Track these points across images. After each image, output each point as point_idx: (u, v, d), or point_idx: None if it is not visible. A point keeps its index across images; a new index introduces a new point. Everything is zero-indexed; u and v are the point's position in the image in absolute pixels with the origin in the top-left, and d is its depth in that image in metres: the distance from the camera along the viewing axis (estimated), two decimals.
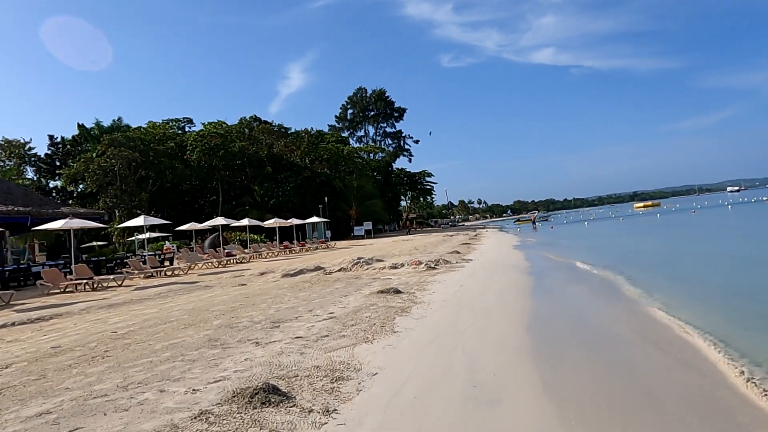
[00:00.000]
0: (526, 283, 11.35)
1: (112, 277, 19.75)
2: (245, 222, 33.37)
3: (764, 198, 72.73)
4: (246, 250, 32.45)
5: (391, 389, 4.52)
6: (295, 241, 41.63)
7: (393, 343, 6.08)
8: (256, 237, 47.21)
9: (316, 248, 39.93)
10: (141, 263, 24.19)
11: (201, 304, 10.13)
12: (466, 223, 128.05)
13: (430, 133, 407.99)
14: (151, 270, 22.91)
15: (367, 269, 17.09)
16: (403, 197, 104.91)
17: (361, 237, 59.35)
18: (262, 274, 19.47)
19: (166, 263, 29.30)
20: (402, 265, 16.81)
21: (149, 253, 32.95)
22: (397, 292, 9.94)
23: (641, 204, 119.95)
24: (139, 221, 23.76)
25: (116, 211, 58.40)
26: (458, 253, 20.39)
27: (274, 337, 6.57)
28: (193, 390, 4.59)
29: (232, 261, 28.97)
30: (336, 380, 4.72)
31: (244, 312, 8.70)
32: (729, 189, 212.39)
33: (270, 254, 34.12)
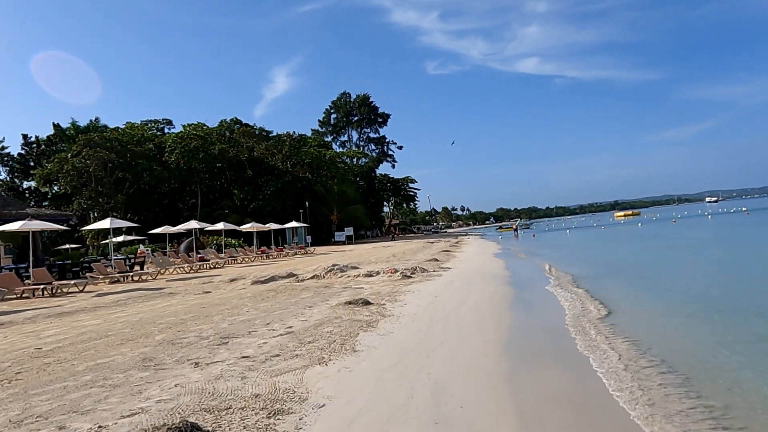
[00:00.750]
0: (505, 295, 10.70)
1: (73, 282, 18.67)
2: (220, 226, 32.35)
3: (743, 208, 73.66)
4: (221, 255, 31.43)
5: (336, 427, 3.78)
6: (273, 246, 40.63)
7: (351, 365, 5.34)
8: (233, 242, 46.15)
9: (295, 254, 39.03)
10: (107, 268, 23.12)
11: (151, 315, 9.27)
12: (448, 230, 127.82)
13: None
14: (118, 275, 21.86)
15: (341, 277, 16.34)
16: (386, 203, 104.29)
17: (342, 243, 58.48)
18: (232, 280, 18.60)
19: (137, 268, 28.21)
20: (377, 273, 16.09)
21: (118, 257, 31.75)
22: (366, 303, 9.21)
23: (622, 213, 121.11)
24: (105, 224, 22.70)
25: (91, 213, 56.84)
26: (437, 261, 19.73)
27: (218, 357, 5.79)
28: (99, 427, 3.80)
29: (205, 266, 27.97)
30: (274, 414, 3.97)
31: (194, 325, 7.89)
32: (707, 199, 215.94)
33: (246, 260, 33.14)
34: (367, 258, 23.55)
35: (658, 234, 35.07)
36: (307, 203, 57.83)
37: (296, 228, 55.41)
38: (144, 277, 23.01)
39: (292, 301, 9.98)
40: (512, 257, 23.76)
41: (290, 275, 17.83)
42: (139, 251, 44.46)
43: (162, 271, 25.24)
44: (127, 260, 29.54)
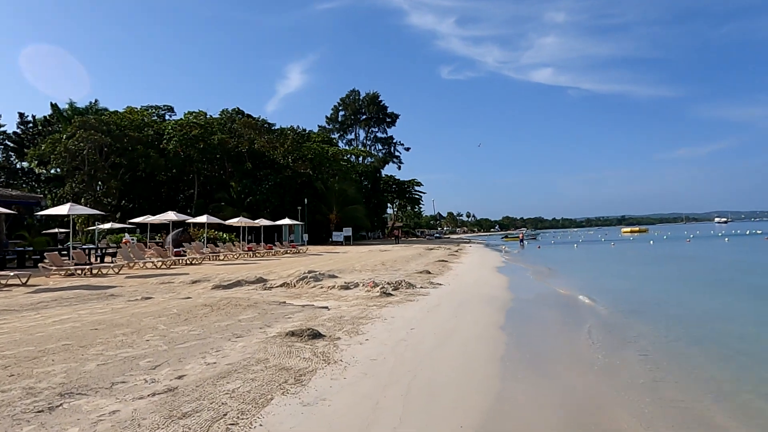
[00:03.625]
0: (504, 329, 8.28)
1: (12, 273, 16.39)
2: (203, 219, 30.02)
3: (759, 231, 70.68)
4: (203, 251, 29.15)
5: None
6: (262, 244, 38.31)
7: None
8: (225, 236, 43.99)
9: (285, 252, 36.70)
10: (63, 258, 20.87)
11: (21, 337, 6.91)
12: (452, 236, 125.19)
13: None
14: (74, 267, 19.58)
15: (313, 287, 13.98)
16: (390, 204, 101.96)
17: (340, 243, 56.16)
18: (194, 282, 16.31)
19: (108, 259, 25.98)
20: (355, 285, 13.72)
21: (87, 246, 29.55)
22: (315, 336, 6.83)
23: (629, 229, 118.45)
24: (63, 209, 20.41)
25: (83, 198, 54.97)
26: (429, 273, 17.27)
27: None
28: None
29: (181, 261, 25.69)
30: None
31: (46, 362, 5.51)
32: (716, 220, 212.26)
33: (230, 256, 30.86)
34: (352, 264, 21.14)
35: (678, 254, 32.37)
36: (306, 200, 55.57)
37: (292, 225, 53.22)
38: (105, 271, 20.75)
39: (222, 325, 7.60)
40: (518, 273, 21.24)
41: (259, 280, 15.51)
42: (123, 240, 42.44)
43: (131, 264, 22.99)
44: (99, 250, 27.36)
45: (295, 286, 14.35)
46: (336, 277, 15.65)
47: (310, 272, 15.79)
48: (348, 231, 57.63)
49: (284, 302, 10.19)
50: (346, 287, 13.42)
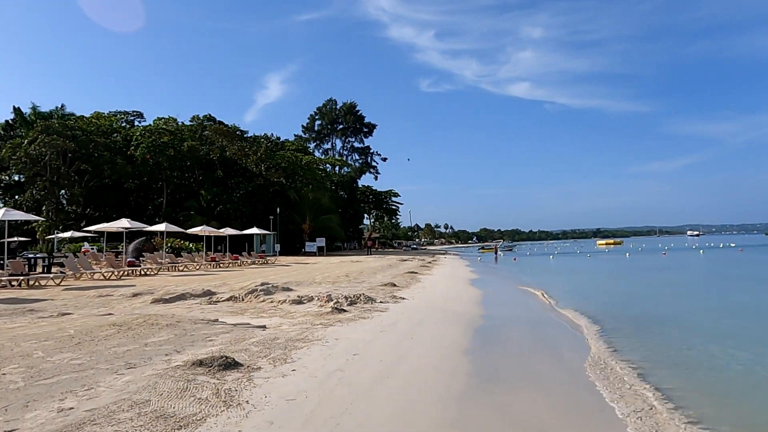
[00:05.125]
0: (469, 354, 7.02)
1: None
2: (161, 227, 28.31)
3: (732, 244, 71.26)
4: (160, 261, 27.41)
5: None
6: (227, 254, 36.57)
7: None
8: (191, 245, 42.14)
9: (252, 263, 35.04)
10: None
11: None
12: (429, 247, 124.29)
13: (408, 159, 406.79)
14: (7, 279, 17.81)
15: (263, 301, 12.57)
16: (367, 215, 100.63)
17: (313, 254, 54.54)
18: (135, 295, 14.75)
19: (56, 269, 24.08)
20: (310, 299, 12.35)
21: (40, 255, 27.52)
22: (228, 366, 5.47)
23: (604, 241, 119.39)
24: None
25: (44, 205, 52.52)
26: (394, 286, 15.95)
27: None
28: None
29: (134, 272, 23.94)
30: None
31: None
32: (689, 233, 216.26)
33: (191, 267, 29.14)
34: (313, 276, 19.72)
35: (659, 266, 31.65)
36: (278, 209, 53.92)
37: (264, 235, 51.51)
38: (44, 283, 18.98)
39: (119, 351, 6.16)
40: (490, 285, 20.06)
41: (206, 294, 14.05)
42: (83, 249, 40.29)
43: (77, 275, 21.23)
44: (44, 260, 25.42)
45: (243, 300, 12.93)
46: (291, 290, 14.26)
47: (263, 285, 14.37)
48: (321, 241, 56.05)
49: (216, 320, 8.78)
50: (298, 301, 12.06)
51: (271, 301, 12.32)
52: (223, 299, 13.13)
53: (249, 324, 8.43)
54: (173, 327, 7.65)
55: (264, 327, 8.22)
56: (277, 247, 52.39)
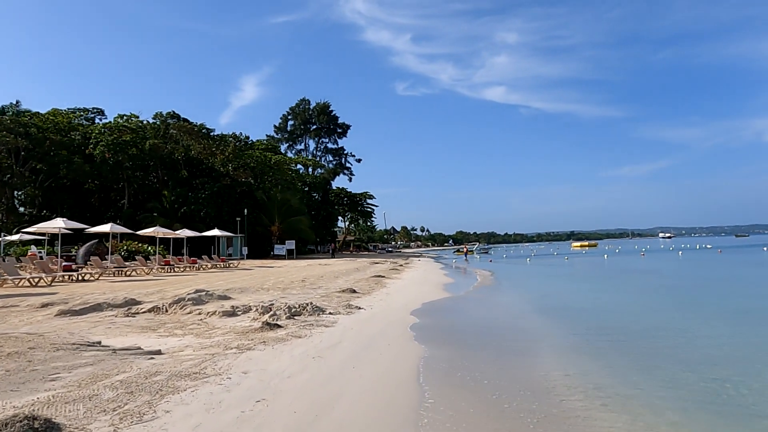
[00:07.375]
0: (426, 387, 5.08)
1: None
2: (106, 228, 25.75)
3: (708, 246, 71.14)
4: (104, 264, 24.89)
5: None
6: (185, 258, 34.04)
7: None
8: (149, 248, 39.39)
9: (212, 267, 32.63)
10: None
11: None
12: (405, 250, 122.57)
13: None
14: None
15: (190, 312, 10.46)
16: (341, 217, 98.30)
17: (282, 257, 52.16)
18: (44, 305, 12.43)
19: None
20: (247, 309, 10.30)
21: None
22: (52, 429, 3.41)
23: (579, 244, 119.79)
24: None
25: None
26: (353, 292, 13.95)
27: None
28: None
29: (70, 278, 21.44)
30: None
31: None
32: (661, 235, 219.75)
33: (140, 272, 26.62)
34: (266, 281, 17.58)
35: (640, 269, 30.22)
36: (245, 211, 51.41)
37: (230, 238, 49.02)
38: None
39: None
40: (462, 290, 18.21)
41: (128, 303, 11.86)
42: (30, 253, 37.28)
43: (9, 281, 18.73)
44: None
45: (167, 311, 10.80)
46: (229, 298, 12.15)
47: (197, 292, 12.22)
48: (291, 244, 53.64)
49: (98, 342, 6.66)
50: (231, 313, 9.98)
51: (199, 313, 10.22)
52: (144, 310, 10.99)
53: (139, 348, 6.34)
54: (17, 356, 5.52)
55: (158, 352, 6.16)
56: (245, 250, 49.88)
